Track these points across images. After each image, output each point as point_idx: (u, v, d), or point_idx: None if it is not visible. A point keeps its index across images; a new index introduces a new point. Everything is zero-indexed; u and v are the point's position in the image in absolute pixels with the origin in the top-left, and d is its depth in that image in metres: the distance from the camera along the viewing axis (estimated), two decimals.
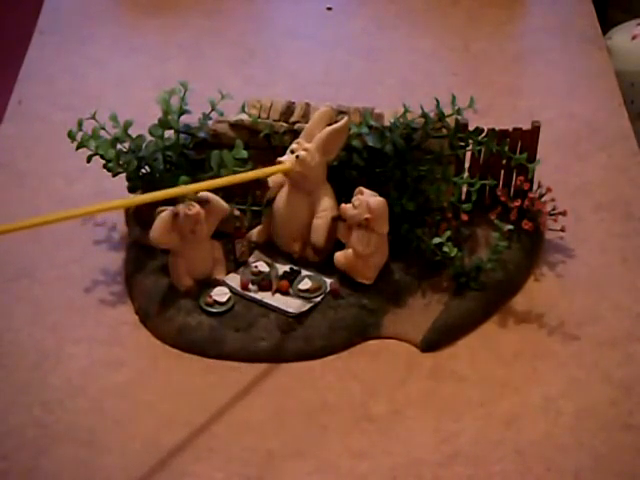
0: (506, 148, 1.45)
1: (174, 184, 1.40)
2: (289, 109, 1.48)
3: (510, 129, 1.45)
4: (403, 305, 1.40)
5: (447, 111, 1.43)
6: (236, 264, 1.43)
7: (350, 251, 1.39)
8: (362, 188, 1.39)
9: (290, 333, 1.36)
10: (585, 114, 1.75)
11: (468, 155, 1.47)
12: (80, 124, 1.45)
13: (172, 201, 1.38)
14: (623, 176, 1.63)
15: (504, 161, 1.47)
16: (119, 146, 1.45)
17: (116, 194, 1.51)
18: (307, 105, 1.49)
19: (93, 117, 1.47)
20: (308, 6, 2.02)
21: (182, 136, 1.46)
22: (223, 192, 1.42)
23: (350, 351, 1.37)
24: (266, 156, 1.45)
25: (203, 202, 1.38)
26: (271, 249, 1.45)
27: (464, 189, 1.48)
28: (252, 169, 1.42)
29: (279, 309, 1.38)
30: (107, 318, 1.41)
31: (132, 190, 1.47)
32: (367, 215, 1.36)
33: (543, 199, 1.48)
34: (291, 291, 1.40)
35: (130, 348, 1.37)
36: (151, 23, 1.97)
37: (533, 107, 1.76)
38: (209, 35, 1.93)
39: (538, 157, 1.47)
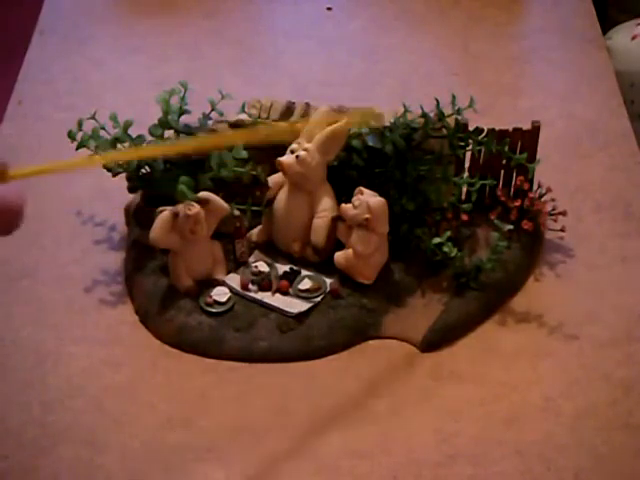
0: (506, 148, 1.45)
1: (174, 184, 1.40)
2: (289, 109, 1.48)
3: (510, 129, 1.45)
4: (403, 305, 1.40)
5: (447, 111, 1.43)
6: (236, 264, 1.43)
7: (350, 251, 1.39)
8: (362, 188, 1.39)
9: (290, 333, 1.36)
10: (585, 114, 1.75)
11: (468, 155, 1.47)
12: (80, 124, 1.45)
13: (172, 202, 1.38)
14: (623, 176, 1.63)
15: (504, 161, 1.47)
16: (119, 146, 1.45)
17: (116, 194, 1.51)
18: (307, 105, 1.49)
19: (93, 117, 1.47)
20: (308, 6, 2.02)
21: (182, 136, 1.46)
22: (223, 192, 1.42)
23: (350, 351, 1.37)
24: (266, 156, 1.45)
25: (203, 202, 1.38)
26: (271, 249, 1.45)
27: (464, 189, 1.48)
28: (252, 169, 1.43)
29: (279, 309, 1.38)
30: (107, 318, 1.41)
31: (132, 190, 1.47)
32: (367, 215, 1.36)
33: (543, 199, 1.48)
34: (291, 291, 1.40)
35: (130, 348, 1.37)
36: (151, 23, 1.97)
37: (533, 107, 1.76)
38: (209, 35, 1.93)
39: (538, 157, 1.47)
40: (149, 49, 1.90)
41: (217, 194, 1.40)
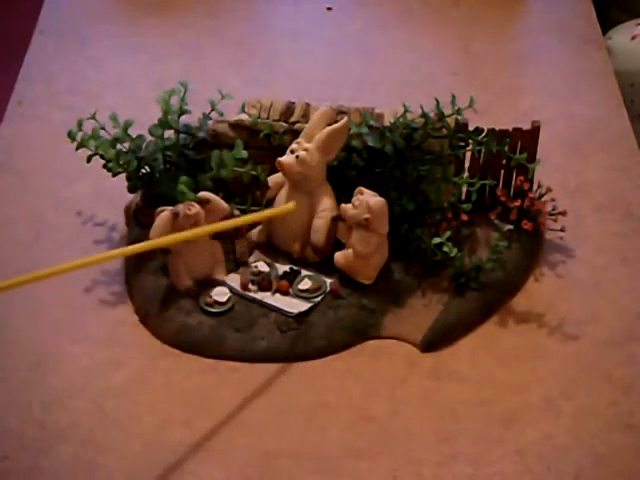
0: (506, 148, 1.45)
1: (174, 184, 1.40)
2: (289, 109, 1.48)
3: (510, 129, 1.45)
4: (403, 305, 1.40)
5: (447, 111, 1.43)
6: (236, 264, 1.43)
7: (350, 251, 1.39)
8: (362, 188, 1.39)
9: (290, 333, 1.36)
10: (585, 114, 1.75)
11: (468, 155, 1.47)
12: (80, 124, 1.45)
13: (172, 202, 1.38)
14: (623, 176, 1.63)
15: (504, 161, 1.48)
16: (119, 146, 1.45)
17: (116, 194, 1.51)
18: (307, 105, 1.49)
19: (93, 117, 1.47)
20: (308, 6, 2.02)
21: (182, 136, 1.46)
22: (223, 192, 1.42)
23: (350, 351, 1.37)
24: (266, 156, 1.46)
25: (203, 202, 1.38)
26: (271, 249, 1.45)
27: (464, 189, 1.48)
28: (252, 169, 1.43)
29: (279, 309, 1.38)
30: (107, 318, 1.41)
31: (132, 190, 1.47)
32: (367, 215, 1.36)
33: (543, 199, 1.48)
34: (291, 291, 1.40)
35: (130, 348, 1.37)
36: (151, 23, 1.97)
37: (533, 107, 1.76)
38: (209, 35, 1.93)
39: (538, 157, 1.47)
40: (149, 49, 1.90)
41: (217, 194, 1.40)
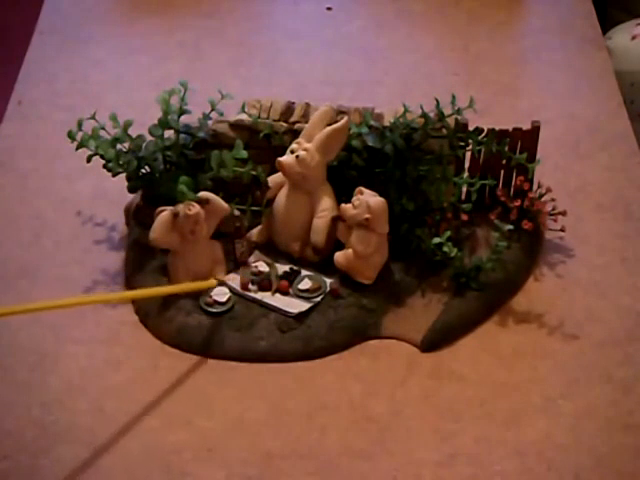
0: (506, 148, 1.45)
1: (174, 184, 1.40)
2: (289, 109, 1.48)
3: (510, 129, 1.45)
4: (403, 305, 1.40)
5: (447, 111, 1.43)
6: (236, 264, 1.43)
7: (350, 251, 1.39)
8: (362, 188, 1.39)
9: (290, 333, 1.36)
10: (585, 114, 1.75)
11: (468, 155, 1.47)
12: (80, 124, 1.45)
13: (172, 202, 1.38)
14: (623, 176, 1.63)
15: (504, 161, 1.48)
16: (119, 146, 1.45)
17: (116, 194, 1.51)
18: (307, 105, 1.49)
19: (93, 117, 1.47)
20: (308, 6, 2.02)
21: (182, 136, 1.46)
22: (223, 192, 1.42)
23: (350, 351, 1.37)
24: (266, 156, 1.45)
25: (203, 202, 1.38)
26: (271, 249, 1.45)
27: (464, 189, 1.48)
28: (252, 169, 1.43)
29: (279, 309, 1.38)
30: (107, 318, 1.41)
31: (132, 190, 1.47)
32: (367, 215, 1.36)
33: (543, 199, 1.48)
34: (291, 291, 1.40)
35: (130, 348, 1.37)
36: (151, 23, 1.97)
37: (533, 107, 1.76)
38: (209, 35, 1.93)
39: (538, 157, 1.47)
40: (149, 49, 1.90)
41: (217, 194, 1.40)
